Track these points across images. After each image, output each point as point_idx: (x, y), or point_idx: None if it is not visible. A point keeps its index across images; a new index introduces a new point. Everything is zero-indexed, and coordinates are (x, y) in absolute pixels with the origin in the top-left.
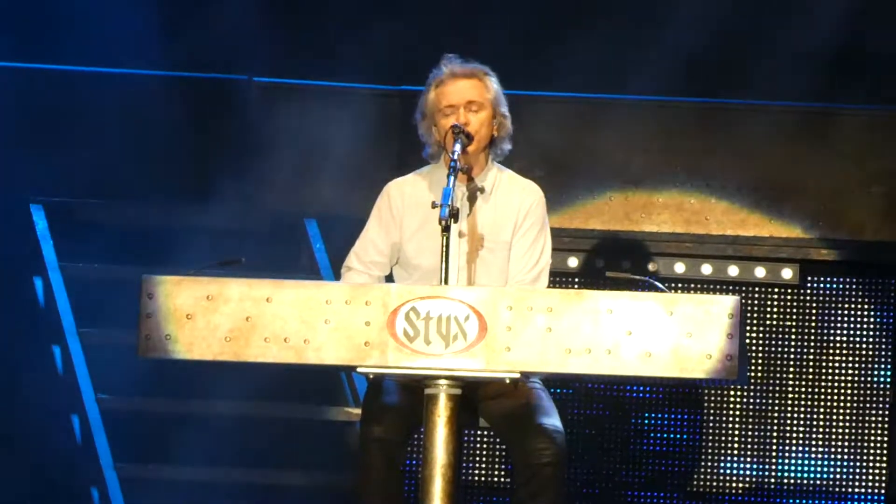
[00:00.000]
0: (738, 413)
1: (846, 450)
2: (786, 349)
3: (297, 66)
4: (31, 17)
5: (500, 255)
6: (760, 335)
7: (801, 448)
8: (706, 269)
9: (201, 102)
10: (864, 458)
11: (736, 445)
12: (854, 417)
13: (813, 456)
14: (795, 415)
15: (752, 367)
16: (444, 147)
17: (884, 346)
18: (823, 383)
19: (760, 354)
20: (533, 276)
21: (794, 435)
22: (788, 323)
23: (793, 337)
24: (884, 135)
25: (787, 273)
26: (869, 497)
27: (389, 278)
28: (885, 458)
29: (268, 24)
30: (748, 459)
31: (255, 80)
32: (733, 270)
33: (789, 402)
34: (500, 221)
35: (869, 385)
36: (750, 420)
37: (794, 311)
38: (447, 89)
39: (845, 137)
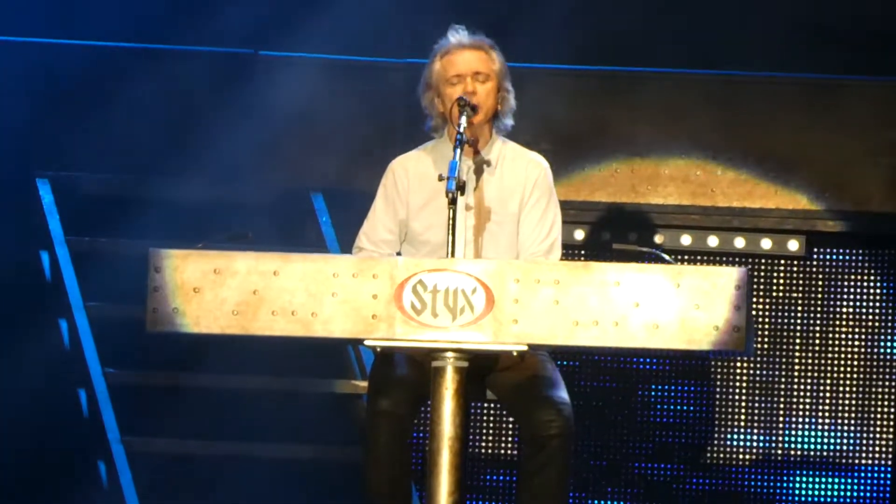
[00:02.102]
0: (744, 385)
1: (853, 421)
2: (792, 321)
3: (303, 40)
4: None
5: (508, 227)
6: (767, 307)
7: (807, 419)
8: (712, 240)
9: (207, 76)
10: (871, 429)
11: (743, 417)
12: (861, 389)
13: (820, 427)
14: (802, 386)
15: (759, 339)
16: (449, 119)
17: (890, 318)
18: (830, 355)
19: (767, 326)
20: (546, 247)
21: (801, 406)
22: (795, 294)
23: (799, 308)
24: (891, 106)
25: (793, 245)
26: (876, 468)
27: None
28: (892, 429)
29: None
30: (755, 431)
31: (260, 54)
32: (739, 242)
33: (796, 373)
34: (507, 193)
35: (876, 356)
36: (757, 392)
37: (801, 282)
38: (454, 59)
39: (852, 108)
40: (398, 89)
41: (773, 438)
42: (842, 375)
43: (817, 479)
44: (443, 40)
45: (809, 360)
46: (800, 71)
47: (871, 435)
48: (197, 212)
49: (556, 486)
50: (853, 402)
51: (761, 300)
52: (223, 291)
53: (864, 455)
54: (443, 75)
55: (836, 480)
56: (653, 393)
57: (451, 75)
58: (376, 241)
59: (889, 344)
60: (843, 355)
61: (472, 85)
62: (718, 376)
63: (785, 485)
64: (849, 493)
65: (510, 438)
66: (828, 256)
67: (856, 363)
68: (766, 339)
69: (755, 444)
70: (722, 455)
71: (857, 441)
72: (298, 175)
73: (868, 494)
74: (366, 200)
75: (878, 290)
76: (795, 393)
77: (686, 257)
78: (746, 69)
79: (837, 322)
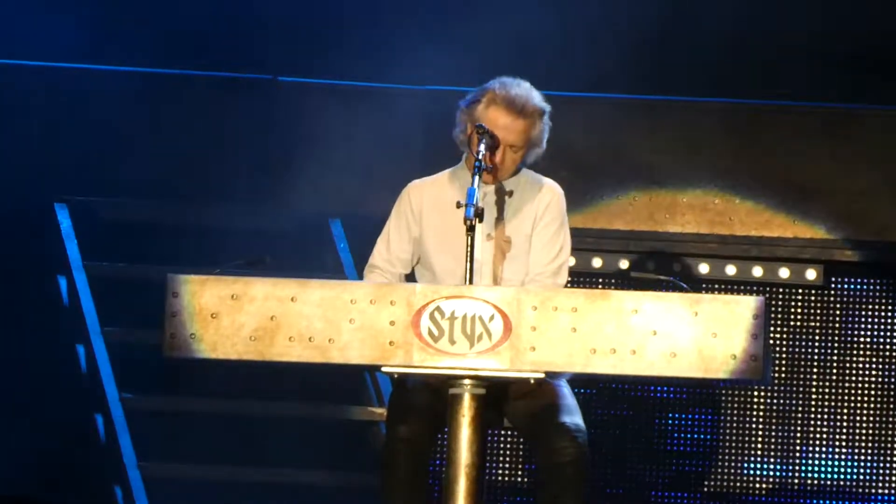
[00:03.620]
0: (761, 414)
1: (870, 451)
2: (810, 350)
3: (322, 66)
4: (59, 17)
5: (523, 251)
6: (784, 336)
7: (824, 449)
8: (730, 269)
9: (226, 102)
10: (888, 459)
11: (759, 446)
12: (878, 419)
13: (836, 457)
14: (819, 416)
15: (776, 368)
16: (468, 146)
17: None
18: (847, 384)
19: (784, 355)
20: (553, 268)
21: (818, 436)
22: (812, 324)
23: (817, 338)
24: None
25: (811, 274)
26: (892, 498)
27: (410, 277)
28: None
29: (292, 22)
30: (772, 460)
31: (279, 80)
32: (757, 271)
33: (813, 403)
34: (522, 219)
35: (893, 386)
36: (774, 421)
37: (818, 312)
38: (499, 120)
39: (870, 138)
40: (416, 116)
41: (790, 468)
42: (859, 405)
43: None
44: (500, 83)
45: (826, 390)
46: (819, 100)
47: (889, 465)
48: (215, 237)
49: None
50: (870, 431)
51: (779, 329)
52: (241, 317)
53: (880, 485)
54: (480, 121)
55: None
56: (670, 421)
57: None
58: (388, 260)
59: None
60: (860, 385)
61: (502, 155)
62: (735, 405)
63: None
64: None
65: (527, 466)
66: (845, 286)
67: (873, 393)
68: (783, 369)
69: (772, 473)
70: (739, 484)
71: (874, 471)
72: (316, 201)
73: None
74: (383, 227)
75: (895, 320)
76: (812, 422)
77: (704, 286)
78: (765, 98)
79: (855, 351)
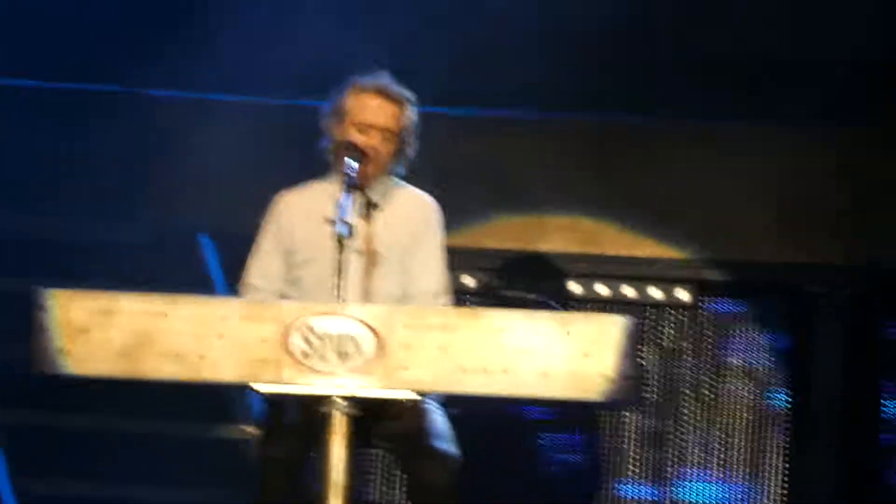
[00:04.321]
0: (634, 435)
1: (743, 474)
2: (681, 371)
3: (192, 79)
4: None
5: (398, 265)
6: (656, 356)
7: (698, 471)
8: (601, 289)
9: (95, 114)
10: (762, 482)
11: (632, 468)
12: (751, 441)
13: (710, 479)
14: (692, 437)
15: (649, 389)
16: (338, 157)
17: (779, 370)
18: (720, 406)
19: (656, 376)
20: (439, 287)
21: (691, 458)
22: (684, 344)
23: (688, 358)
24: (776, 153)
25: (682, 294)
26: None
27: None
28: (783, 483)
29: (161, 35)
30: (644, 482)
31: (148, 93)
32: (629, 291)
33: (685, 424)
34: (397, 233)
35: (765, 409)
36: (646, 442)
37: (690, 332)
38: (369, 103)
39: (738, 155)
40: (290, 130)
41: (663, 490)
42: (731, 426)
43: None
44: (363, 76)
45: (699, 411)
46: (684, 116)
47: (761, 487)
48: (84, 251)
49: None
50: (744, 454)
51: (650, 349)
52: (110, 332)
53: None
54: (351, 115)
55: None
56: (541, 442)
57: (358, 120)
58: (266, 275)
59: (778, 395)
60: (733, 406)
61: (375, 139)
62: (608, 426)
63: None
64: None
65: (401, 486)
66: (716, 306)
67: (745, 415)
68: (655, 389)
69: (645, 495)
70: None
71: (748, 494)
72: (185, 216)
73: None
74: (253, 242)
75: (766, 342)
76: (685, 444)
77: (576, 305)
78: (632, 113)
79: (727, 373)
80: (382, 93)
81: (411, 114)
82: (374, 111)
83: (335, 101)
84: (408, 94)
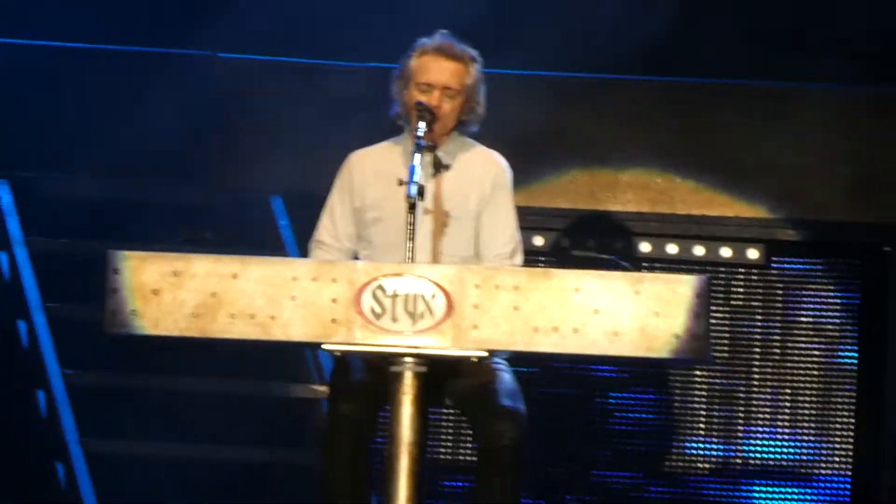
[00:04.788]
0: (703, 393)
1: (812, 431)
2: (751, 330)
3: (262, 42)
4: None
5: (467, 224)
6: (726, 315)
7: (766, 429)
8: (671, 248)
9: (168, 78)
10: (830, 439)
11: (702, 426)
12: (820, 399)
13: (779, 437)
14: (761, 395)
15: (718, 348)
16: (408, 119)
17: (849, 328)
18: (789, 364)
19: (726, 335)
20: (511, 248)
21: (760, 416)
22: (754, 303)
23: (758, 317)
24: (850, 114)
25: (752, 253)
26: (834, 478)
27: None
28: (850, 440)
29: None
30: (714, 440)
31: (219, 56)
32: (699, 250)
33: (755, 382)
34: (466, 192)
35: (834, 366)
36: (716, 400)
37: (760, 291)
38: (430, 65)
39: (811, 117)
40: (359, 93)
41: (732, 447)
42: (801, 385)
43: (776, 489)
44: (427, 38)
45: (768, 369)
46: (758, 78)
47: (830, 444)
48: (156, 214)
49: (506, 497)
50: (812, 411)
51: (721, 308)
52: (182, 294)
53: (822, 465)
54: (414, 76)
55: (795, 490)
56: (611, 400)
57: (421, 80)
58: (336, 234)
59: (847, 353)
60: (801, 364)
61: (439, 99)
62: (678, 384)
63: (743, 494)
64: (807, 503)
65: (469, 444)
66: (787, 265)
67: (815, 372)
68: (725, 348)
69: (714, 452)
70: (681, 463)
71: (816, 451)
72: (257, 178)
73: None
74: (325, 203)
75: (836, 300)
76: (754, 402)
77: (645, 265)
78: (706, 76)
79: (796, 331)
80: (443, 52)
81: (475, 71)
82: (436, 71)
83: (401, 65)
84: (471, 52)
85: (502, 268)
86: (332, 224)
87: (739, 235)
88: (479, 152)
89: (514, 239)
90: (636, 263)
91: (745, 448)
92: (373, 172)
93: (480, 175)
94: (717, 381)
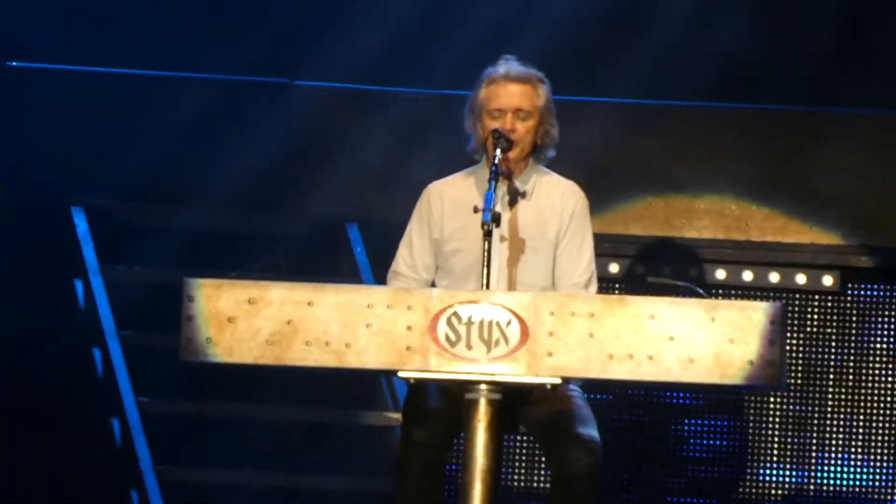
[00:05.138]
0: (777, 420)
1: (886, 457)
2: (826, 356)
3: (339, 70)
4: (74, 19)
5: (545, 253)
6: (801, 342)
7: (840, 455)
8: (747, 275)
9: (243, 105)
10: None
11: (775, 452)
12: (894, 425)
13: (852, 464)
14: (835, 422)
15: (792, 374)
16: (485, 149)
17: None
18: (863, 391)
19: (801, 361)
20: (586, 279)
21: (834, 442)
22: (829, 330)
23: (833, 344)
24: None
25: (827, 280)
26: None
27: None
28: None
29: (310, 26)
30: (787, 466)
31: (296, 84)
32: (774, 277)
33: (829, 409)
34: (544, 221)
35: None
36: (790, 427)
37: (835, 318)
38: (498, 91)
39: (884, 143)
40: (432, 120)
41: (806, 474)
42: (875, 411)
43: None
44: (492, 67)
45: (843, 396)
46: (835, 105)
47: None
48: (231, 241)
49: None
50: (886, 438)
51: (795, 335)
52: (257, 321)
53: None
54: (485, 105)
55: None
56: (685, 427)
57: (492, 108)
58: (414, 265)
59: None
60: (876, 391)
61: (512, 122)
62: (752, 411)
63: None
64: None
65: (542, 471)
66: (862, 292)
67: (889, 399)
68: (799, 375)
69: (788, 479)
70: (754, 490)
71: (891, 477)
72: (332, 205)
73: None
74: (401, 231)
75: None
76: (828, 428)
77: (720, 292)
78: (781, 103)
79: (871, 358)
80: (510, 77)
81: (544, 92)
82: (505, 96)
83: (471, 99)
84: (537, 73)
85: (577, 295)
86: (410, 254)
87: (814, 262)
88: (557, 182)
89: (589, 269)
90: (711, 290)
91: (819, 475)
92: (451, 203)
93: (560, 205)
94: (792, 407)
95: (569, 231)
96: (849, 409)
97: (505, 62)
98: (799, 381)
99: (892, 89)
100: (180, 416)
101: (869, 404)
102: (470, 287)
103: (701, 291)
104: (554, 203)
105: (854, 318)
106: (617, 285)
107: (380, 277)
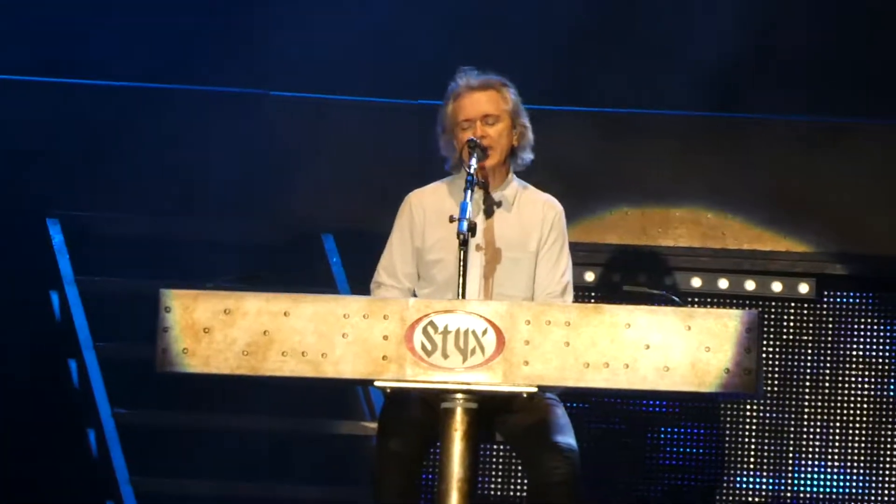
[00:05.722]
0: (754, 427)
1: (862, 464)
2: (802, 364)
3: (315, 80)
4: (47, 31)
5: (526, 265)
6: (777, 350)
7: (817, 462)
8: (723, 283)
9: (218, 116)
10: (880, 472)
11: (752, 460)
12: (870, 432)
13: (829, 470)
14: (811, 429)
15: (769, 382)
16: (462, 161)
17: None
18: (840, 398)
19: (777, 369)
20: (562, 287)
21: (811, 449)
22: (805, 337)
23: (809, 351)
24: None
25: (803, 288)
26: None
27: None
28: None
29: (285, 37)
30: (764, 474)
31: (272, 94)
32: (750, 285)
33: (805, 416)
34: (527, 234)
35: (885, 400)
36: (766, 434)
37: (811, 325)
38: (463, 102)
39: (862, 152)
40: (411, 130)
41: (783, 481)
42: (851, 419)
43: None
44: (452, 83)
45: (819, 403)
46: (809, 113)
47: (881, 478)
48: (207, 252)
49: None
50: (862, 445)
51: (771, 343)
52: (233, 332)
53: (873, 498)
54: (454, 119)
55: None
56: (662, 435)
57: (461, 119)
58: (396, 274)
59: None
60: (852, 398)
61: (482, 129)
62: (728, 419)
63: None
64: None
65: (520, 480)
66: (838, 300)
67: (865, 406)
68: (775, 382)
69: (764, 486)
70: (731, 498)
71: (867, 484)
72: (308, 215)
73: None
74: (377, 241)
75: (887, 334)
76: (805, 435)
77: (696, 300)
78: (758, 112)
79: (847, 365)
80: (472, 86)
81: (510, 95)
82: (470, 105)
83: (440, 118)
84: (499, 78)
85: (553, 304)
86: (391, 264)
87: (790, 270)
88: (536, 195)
89: (565, 278)
90: (687, 299)
91: (796, 482)
92: (433, 212)
93: (541, 217)
94: (768, 415)
95: (548, 241)
96: (825, 417)
97: (464, 74)
98: (775, 389)
99: (869, 98)
100: (156, 428)
101: (845, 411)
102: (452, 297)
103: (677, 300)
104: (535, 216)
105: (830, 326)
106: (593, 294)
107: (356, 287)
